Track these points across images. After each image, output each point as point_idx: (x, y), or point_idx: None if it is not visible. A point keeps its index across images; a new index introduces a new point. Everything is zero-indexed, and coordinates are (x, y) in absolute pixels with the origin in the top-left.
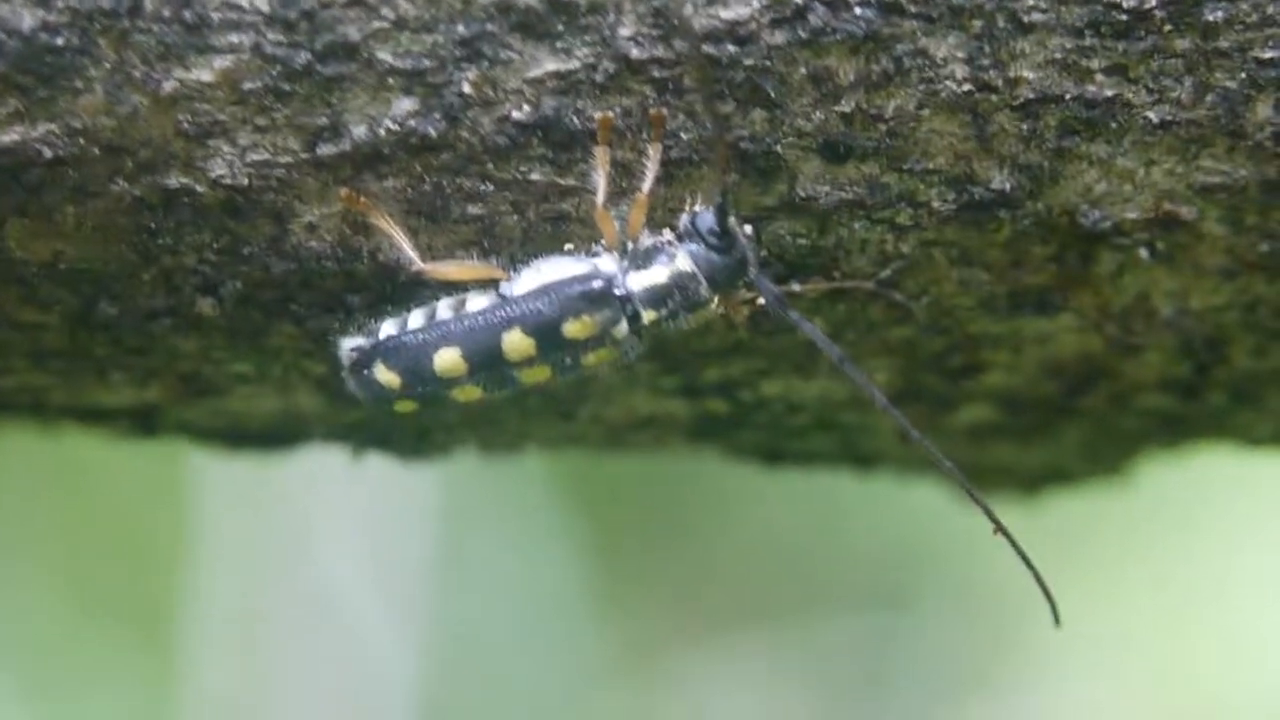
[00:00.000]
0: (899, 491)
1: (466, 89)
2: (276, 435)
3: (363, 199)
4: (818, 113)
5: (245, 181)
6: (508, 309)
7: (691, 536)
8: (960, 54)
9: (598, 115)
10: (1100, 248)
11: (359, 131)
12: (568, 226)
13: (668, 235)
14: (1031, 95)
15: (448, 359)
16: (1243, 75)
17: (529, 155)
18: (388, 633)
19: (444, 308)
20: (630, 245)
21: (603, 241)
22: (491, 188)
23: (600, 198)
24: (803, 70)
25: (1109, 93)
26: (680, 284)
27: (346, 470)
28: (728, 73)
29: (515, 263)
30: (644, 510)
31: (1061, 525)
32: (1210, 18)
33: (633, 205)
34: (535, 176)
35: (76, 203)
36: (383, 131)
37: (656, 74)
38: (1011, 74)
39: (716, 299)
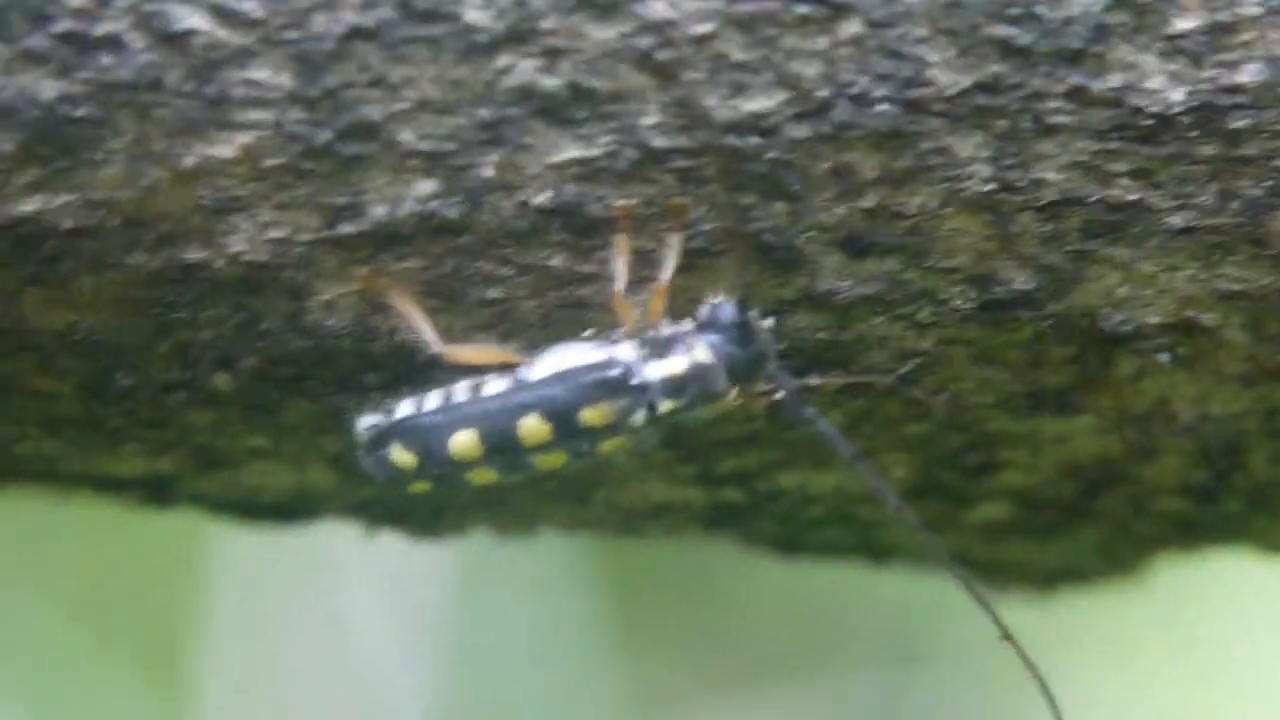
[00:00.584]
0: None
1: (488, 172)
2: (290, 509)
3: (383, 279)
4: (839, 207)
5: (264, 258)
6: (525, 393)
7: (713, 587)
8: (984, 153)
9: (618, 203)
10: (1120, 351)
11: (379, 211)
12: (586, 313)
13: (687, 325)
14: (1055, 197)
15: (464, 442)
16: (1267, 183)
17: (548, 241)
18: (402, 668)
19: (461, 390)
20: (649, 334)
21: (621, 329)
22: (510, 272)
23: (619, 285)
24: (825, 164)
25: (1132, 197)
26: (698, 374)
27: None
28: (749, 164)
29: (533, 348)
30: (666, 558)
31: (1085, 611)
32: (1235, 125)
33: (652, 294)
34: (554, 262)
35: (93, 273)
36: (403, 213)
37: (679, 163)
38: (1035, 175)
39: (734, 391)
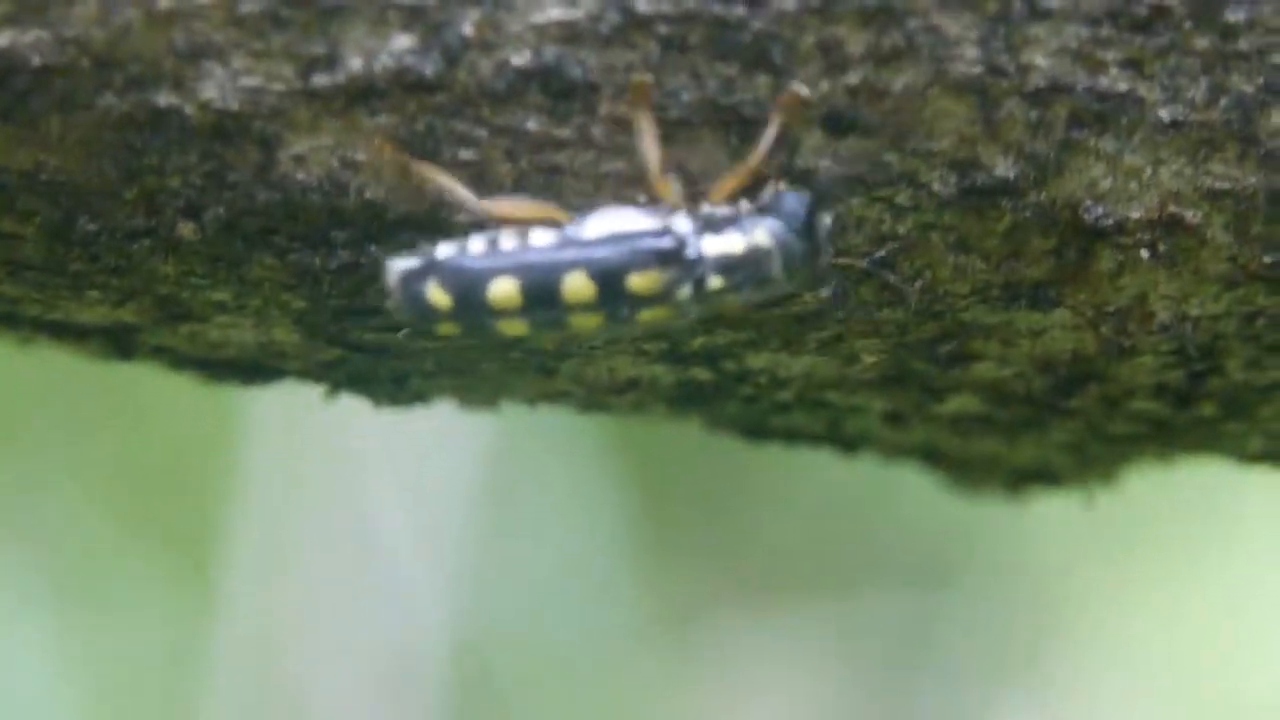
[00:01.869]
0: None
1: (467, 30)
2: (253, 368)
3: (397, 147)
4: (823, 83)
5: (235, 106)
6: (575, 251)
7: (740, 503)
8: (973, 34)
9: (634, 78)
10: (1101, 245)
11: (355, 64)
12: (560, 179)
13: (745, 206)
14: (1043, 83)
15: (504, 289)
16: (1260, 80)
17: (526, 103)
18: (426, 577)
19: (506, 238)
20: (706, 209)
21: (665, 203)
22: (485, 133)
23: (654, 166)
24: (811, 38)
25: (1122, 87)
26: (754, 257)
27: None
28: (734, 35)
29: (576, 208)
30: (694, 473)
31: (1116, 521)
32: (1232, 18)
33: (730, 174)
34: (531, 125)
35: (62, 113)
36: (379, 66)
37: (663, 30)
38: (1024, 60)
39: (787, 281)
